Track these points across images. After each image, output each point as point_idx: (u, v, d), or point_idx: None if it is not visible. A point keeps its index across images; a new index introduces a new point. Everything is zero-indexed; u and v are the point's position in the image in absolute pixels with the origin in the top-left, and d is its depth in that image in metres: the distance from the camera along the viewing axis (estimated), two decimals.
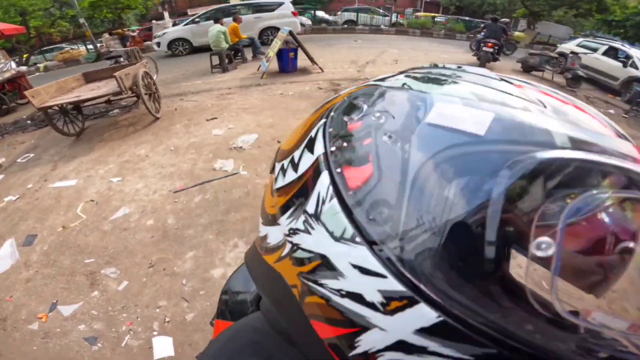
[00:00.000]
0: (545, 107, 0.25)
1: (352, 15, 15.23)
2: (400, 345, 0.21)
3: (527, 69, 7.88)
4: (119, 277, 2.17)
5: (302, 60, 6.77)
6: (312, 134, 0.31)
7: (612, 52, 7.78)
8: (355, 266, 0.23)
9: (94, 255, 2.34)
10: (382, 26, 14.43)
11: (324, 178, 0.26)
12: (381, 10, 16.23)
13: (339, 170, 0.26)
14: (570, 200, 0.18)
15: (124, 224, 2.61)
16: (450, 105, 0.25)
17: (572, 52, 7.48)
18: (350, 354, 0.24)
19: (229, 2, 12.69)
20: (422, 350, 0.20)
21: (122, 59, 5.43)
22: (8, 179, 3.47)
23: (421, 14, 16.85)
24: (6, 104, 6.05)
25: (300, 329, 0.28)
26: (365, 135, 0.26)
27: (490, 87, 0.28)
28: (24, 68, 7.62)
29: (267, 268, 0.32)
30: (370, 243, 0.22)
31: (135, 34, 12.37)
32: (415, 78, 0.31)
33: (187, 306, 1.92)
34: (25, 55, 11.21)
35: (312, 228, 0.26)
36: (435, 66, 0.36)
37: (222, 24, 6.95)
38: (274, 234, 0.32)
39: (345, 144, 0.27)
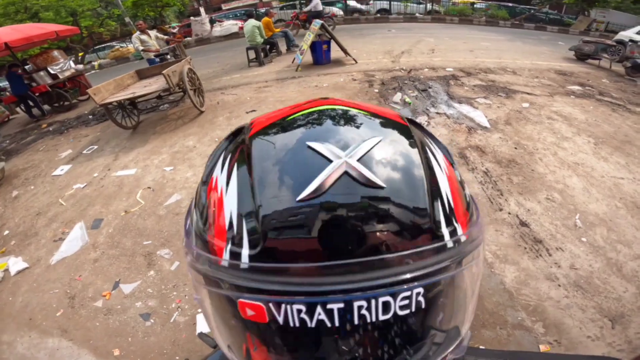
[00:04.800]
0: None
1: (385, 4, 14.79)
2: None
3: (581, 57, 7.29)
4: (171, 258, 2.31)
5: (335, 52, 6.77)
6: None
7: None
8: None
9: (151, 238, 2.52)
10: (417, 14, 13.88)
11: None
12: None
13: None
14: None
15: (176, 209, 2.81)
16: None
17: (632, 40, 6.85)
18: None
19: None
20: None
21: (168, 57, 5.76)
22: (76, 168, 3.87)
23: (459, 0, 15.94)
24: (68, 101, 6.68)
25: None
26: None
27: None
28: (80, 66, 8.31)
29: None
30: None
31: (175, 30, 12.96)
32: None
33: None
34: (80, 54, 12.16)
35: None
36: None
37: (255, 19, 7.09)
38: None
39: None
